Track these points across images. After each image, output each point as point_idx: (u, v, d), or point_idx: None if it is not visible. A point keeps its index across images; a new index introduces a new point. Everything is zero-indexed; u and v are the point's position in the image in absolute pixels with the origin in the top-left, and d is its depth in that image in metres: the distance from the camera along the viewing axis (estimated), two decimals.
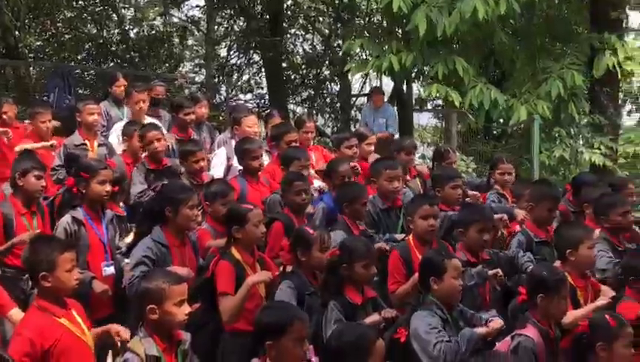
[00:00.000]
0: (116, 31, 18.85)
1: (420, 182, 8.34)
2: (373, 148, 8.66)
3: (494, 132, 13.64)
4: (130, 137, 7.71)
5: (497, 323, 4.87)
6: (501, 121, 12.64)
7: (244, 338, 5.23)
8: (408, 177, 8.05)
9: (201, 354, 4.63)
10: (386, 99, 14.15)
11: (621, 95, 16.89)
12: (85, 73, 17.64)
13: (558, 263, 5.63)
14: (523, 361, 4.49)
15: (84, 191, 6.01)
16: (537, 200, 6.42)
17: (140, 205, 6.82)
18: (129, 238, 6.23)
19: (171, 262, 5.45)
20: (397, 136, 12.64)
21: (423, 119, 18.30)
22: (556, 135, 12.31)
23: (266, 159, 7.75)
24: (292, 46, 19.18)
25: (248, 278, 5.26)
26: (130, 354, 4.04)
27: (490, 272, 5.62)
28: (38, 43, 18.85)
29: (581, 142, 12.70)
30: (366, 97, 16.68)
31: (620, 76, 13.03)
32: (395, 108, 14.62)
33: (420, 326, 4.75)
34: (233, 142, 8.14)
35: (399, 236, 6.54)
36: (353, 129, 14.74)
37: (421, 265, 5.22)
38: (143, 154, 7.43)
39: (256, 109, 16.76)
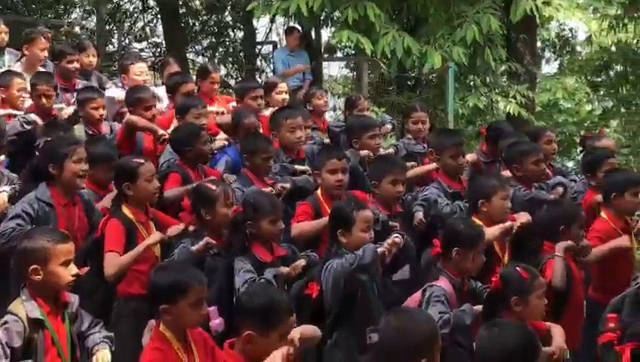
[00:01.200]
0: None
1: (328, 136, 8.35)
2: (286, 96, 8.44)
3: (408, 82, 13.70)
4: (7, 87, 7.45)
5: (391, 239, 5.08)
6: (415, 70, 12.73)
7: (139, 302, 5.22)
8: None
9: None
10: None
11: (539, 42, 17.29)
12: None
13: None
14: (436, 306, 4.63)
15: None
16: (440, 150, 6.54)
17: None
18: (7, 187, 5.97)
19: (56, 222, 5.32)
20: None
21: (333, 70, 18.24)
22: (471, 83, 12.49)
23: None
24: None
25: (145, 240, 5.21)
26: (10, 316, 3.95)
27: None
28: None
29: (497, 91, 12.92)
30: (272, 45, 16.50)
31: (537, 22, 13.26)
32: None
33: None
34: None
35: (299, 167, 6.60)
36: (260, 80, 14.52)
37: (330, 216, 5.31)
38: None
39: (152, 58, 16.40)
